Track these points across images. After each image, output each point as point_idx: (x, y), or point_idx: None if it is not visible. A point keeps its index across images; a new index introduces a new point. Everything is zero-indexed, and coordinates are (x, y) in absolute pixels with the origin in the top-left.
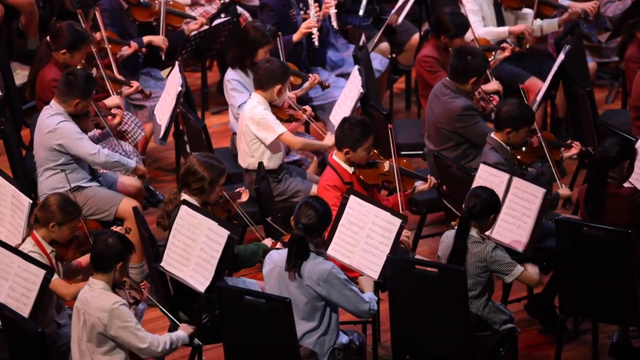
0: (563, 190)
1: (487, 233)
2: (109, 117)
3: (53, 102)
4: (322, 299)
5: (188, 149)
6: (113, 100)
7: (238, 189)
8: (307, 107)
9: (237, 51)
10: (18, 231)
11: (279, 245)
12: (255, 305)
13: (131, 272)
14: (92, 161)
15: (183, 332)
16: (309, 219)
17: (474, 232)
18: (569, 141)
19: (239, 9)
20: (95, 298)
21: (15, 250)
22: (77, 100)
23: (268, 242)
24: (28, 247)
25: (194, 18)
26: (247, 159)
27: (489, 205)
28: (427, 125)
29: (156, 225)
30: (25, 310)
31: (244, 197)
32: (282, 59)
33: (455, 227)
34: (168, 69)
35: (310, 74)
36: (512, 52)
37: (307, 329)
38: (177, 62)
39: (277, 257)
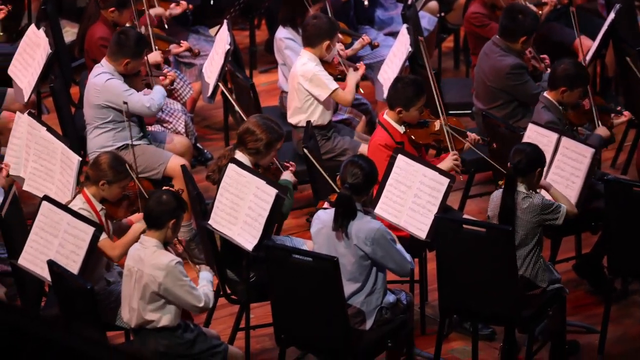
0: (601, 130)
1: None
2: (161, 78)
3: (104, 61)
4: (368, 258)
5: (236, 108)
6: (155, 57)
7: (288, 162)
8: (361, 64)
9: (287, 10)
10: (67, 188)
11: (326, 204)
12: (302, 264)
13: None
14: (148, 113)
15: (207, 272)
16: (355, 178)
17: (522, 188)
18: (619, 108)
19: None
20: (149, 256)
21: (64, 207)
22: (127, 60)
23: (287, 175)
24: (78, 204)
25: None
26: (298, 116)
27: (534, 160)
28: (475, 84)
29: (205, 178)
30: (74, 267)
31: (292, 169)
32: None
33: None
34: (216, 27)
35: (362, 35)
36: (559, 5)
37: (354, 289)
38: (225, 21)
39: (324, 217)
